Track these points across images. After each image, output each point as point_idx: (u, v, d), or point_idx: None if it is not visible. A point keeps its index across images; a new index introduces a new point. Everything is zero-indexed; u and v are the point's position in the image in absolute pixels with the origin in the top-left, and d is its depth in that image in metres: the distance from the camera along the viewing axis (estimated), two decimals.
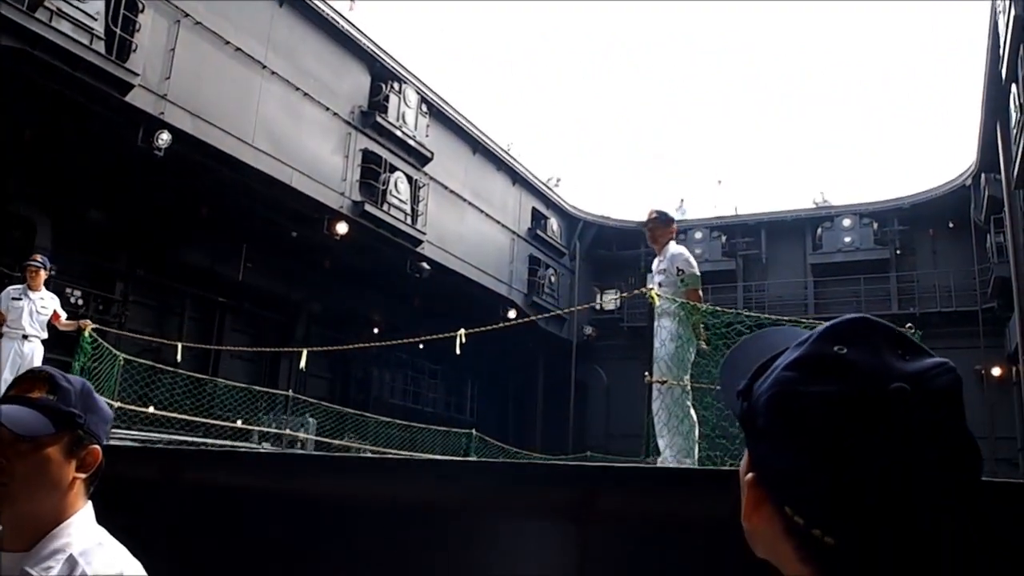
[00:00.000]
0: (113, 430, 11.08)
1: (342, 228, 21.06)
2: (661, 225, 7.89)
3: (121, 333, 19.39)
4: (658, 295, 7.08)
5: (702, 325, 7.31)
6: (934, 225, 30.82)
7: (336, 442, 23.44)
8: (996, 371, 27.29)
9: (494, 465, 2.98)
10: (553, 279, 32.65)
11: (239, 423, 22.42)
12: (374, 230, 22.12)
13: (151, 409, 20.20)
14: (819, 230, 32.68)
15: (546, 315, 28.70)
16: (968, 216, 28.61)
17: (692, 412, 7.07)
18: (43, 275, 10.03)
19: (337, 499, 3.23)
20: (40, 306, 9.71)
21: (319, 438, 20.91)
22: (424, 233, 23.94)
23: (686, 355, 7.15)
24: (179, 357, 16.93)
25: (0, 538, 1.64)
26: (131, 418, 18.49)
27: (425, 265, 24.25)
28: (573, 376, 33.81)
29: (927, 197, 30.84)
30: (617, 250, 35.99)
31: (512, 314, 29.55)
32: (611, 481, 2.74)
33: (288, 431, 20.99)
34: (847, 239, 31.71)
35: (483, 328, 13.65)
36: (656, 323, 7.05)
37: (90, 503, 1.72)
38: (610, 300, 32.47)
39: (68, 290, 18.01)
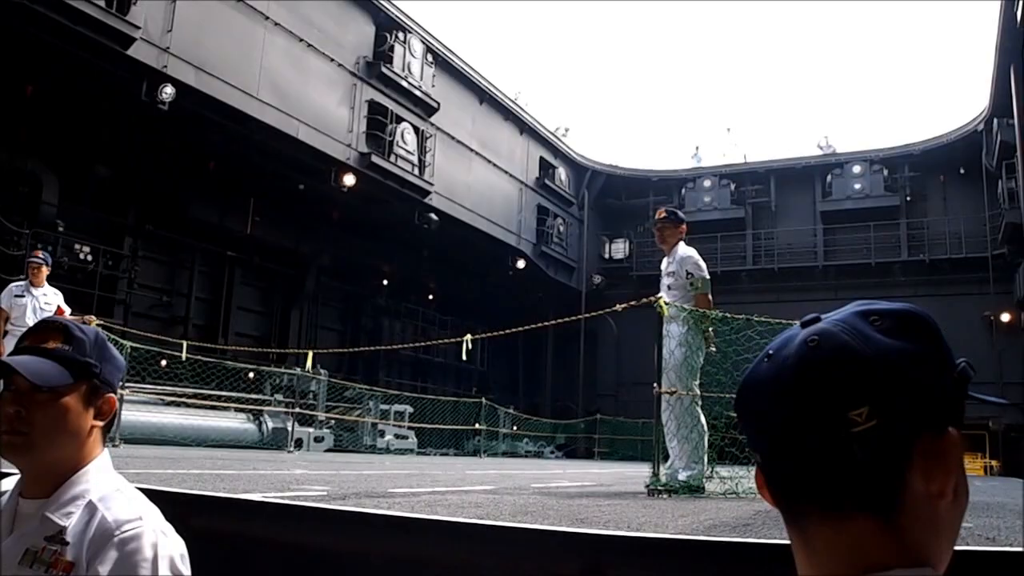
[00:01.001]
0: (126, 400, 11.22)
1: (349, 180, 21.01)
2: (670, 225, 7.63)
3: (131, 291, 19.58)
4: (667, 304, 6.87)
5: (711, 329, 7.12)
6: (945, 171, 30.54)
7: (347, 385, 23.68)
8: (1005, 317, 27.26)
9: (499, 531, 2.99)
10: (562, 228, 32.60)
11: (251, 375, 22.67)
12: (382, 181, 22.07)
13: (163, 363, 20.44)
14: (829, 177, 32.45)
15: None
16: (979, 162, 28.33)
17: (702, 418, 6.98)
18: (45, 271, 10.01)
19: (338, 555, 3.30)
20: (44, 302, 9.73)
21: (332, 379, 20.98)
22: (432, 184, 23.87)
23: (695, 361, 7.04)
24: (184, 355, 16.95)
25: (22, 485, 1.70)
26: (145, 375, 18.72)
27: (433, 216, 24.20)
28: (583, 325, 33.89)
29: (938, 143, 30.52)
30: (626, 199, 35.88)
31: (521, 264, 29.62)
32: (622, 549, 2.76)
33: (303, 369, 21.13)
34: (857, 186, 31.49)
35: (494, 333, 13.66)
36: (664, 328, 6.86)
37: (107, 450, 1.77)
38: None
39: (77, 246, 18.08)
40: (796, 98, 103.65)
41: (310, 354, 16.18)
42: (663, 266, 7.65)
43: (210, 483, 5.79)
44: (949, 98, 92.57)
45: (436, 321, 30.96)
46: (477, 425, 24.35)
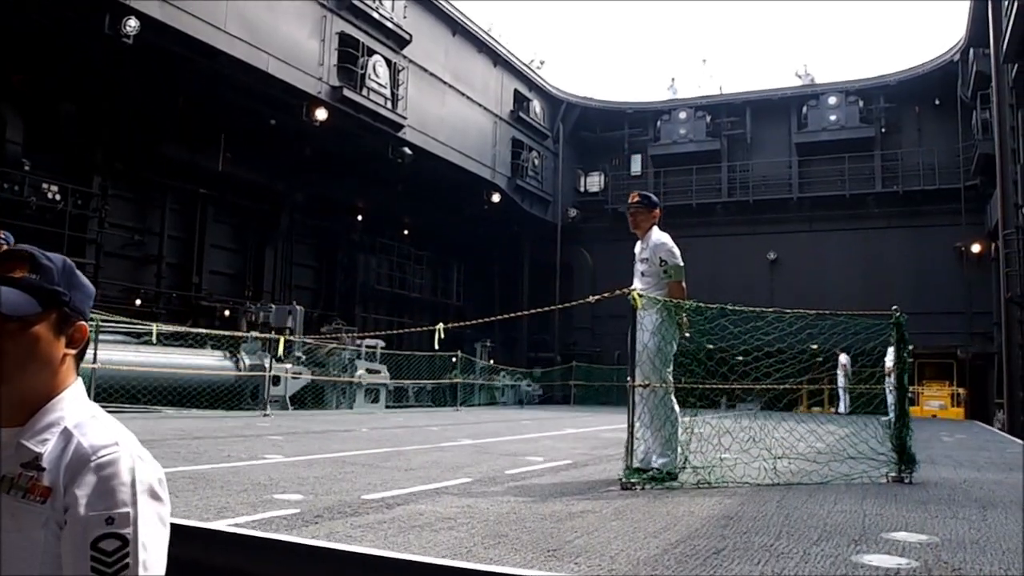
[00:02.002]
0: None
1: (321, 114, 20.71)
2: (644, 209, 7.44)
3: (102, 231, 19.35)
4: (640, 295, 6.73)
5: (685, 316, 7.02)
6: (920, 103, 30.55)
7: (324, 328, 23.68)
8: (976, 248, 27.56)
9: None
10: (537, 162, 32.43)
11: (226, 312, 22.61)
12: (354, 115, 21.77)
13: (138, 303, 20.32)
14: (804, 109, 32.37)
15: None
16: (955, 93, 28.36)
17: (676, 406, 6.97)
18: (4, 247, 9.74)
19: None
20: None
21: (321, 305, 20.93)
22: (405, 118, 23.58)
23: (669, 350, 6.99)
24: (154, 338, 16.76)
25: None
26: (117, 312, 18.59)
27: (407, 150, 23.96)
28: (559, 259, 33.97)
29: (914, 74, 30.47)
30: (601, 132, 35.67)
31: (496, 198, 29.49)
32: None
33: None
34: (832, 117, 31.45)
35: (465, 323, 13.68)
36: (638, 314, 6.73)
37: (80, 379, 1.75)
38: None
39: (44, 186, 17.76)
40: (773, 29, 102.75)
41: (281, 340, 15.95)
42: (636, 251, 7.50)
43: (179, 486, 5.72)
44: (927, 28, 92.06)
45: (412, 256, 30.89)
46: (454, 377, 24.44)
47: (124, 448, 1.60)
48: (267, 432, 11.34)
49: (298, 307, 21.74)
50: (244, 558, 3.40)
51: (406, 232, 30.64)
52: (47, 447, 1.59)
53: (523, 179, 31.12)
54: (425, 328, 16.05)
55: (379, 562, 3.12)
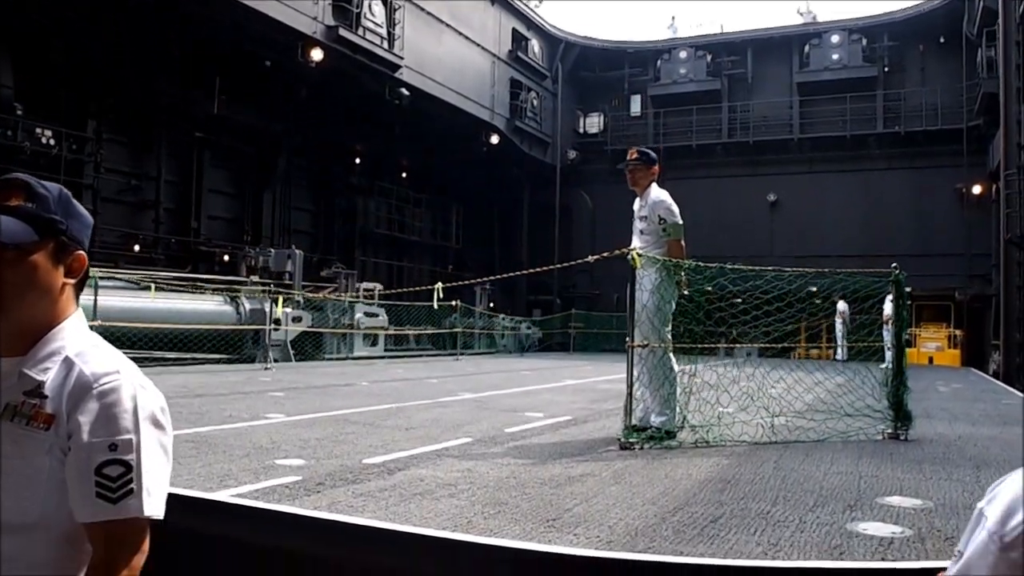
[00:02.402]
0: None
1: (317, 55, 20.41)
2: (642, 167, 7.34)
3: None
4: (640, 255, 6.69)
5: (684, 274, 7.01)
6: (925, 41, 30.12)
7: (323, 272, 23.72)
8: (976, 189, 27.44)
9: (471, 547, 3.03)
10: (536, 103, 32.09)
11: (225, 257, 22.60)
12: (350, 56, 21.46)
13: (136, 248, 20.30)
14: (806, 48, 31.92)
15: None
16: (960, 30, 27.93)
17: (675, 367, 6.97)
18: None
19: (313, 560, 3.35)
20: None
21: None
22: (402, 58, 23.26)
23: (668, 308, 6.93)
24: (152, 297, 16.60)
25: None
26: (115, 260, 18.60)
27: (404, 91, 23.67)
28: (558, 201, 33.83)
29: (919, 11, 29.99)
30: (600, 72, 35.21)
31: (495, 139, 29.25)
32: (591, 570, 2.84)
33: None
34: (835, 56, 31.03)
35: (463, 283, 13.52)
36: (637, 273, 6.69)
37: (80, 309, 1.76)
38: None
39: (38, 130, 17.59)
40: None
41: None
42: (635, 208, 7.42)
43: (182, 451, 5.74)
44: None
45: (411, 199, 30.75)
46: (454, 324, 24.45)
47: (126, 376, 1.63)
48: (268, 388, 11.37)
49: (297, 251, 21.74)
50: (247, 529, 3.45)
51: (405, 175, 30.46)
52: (49, 375, 1.61)
53: (522, 120, 30.83)
54: (423, 288, 15.98)
55: (381, 534, 3.15)
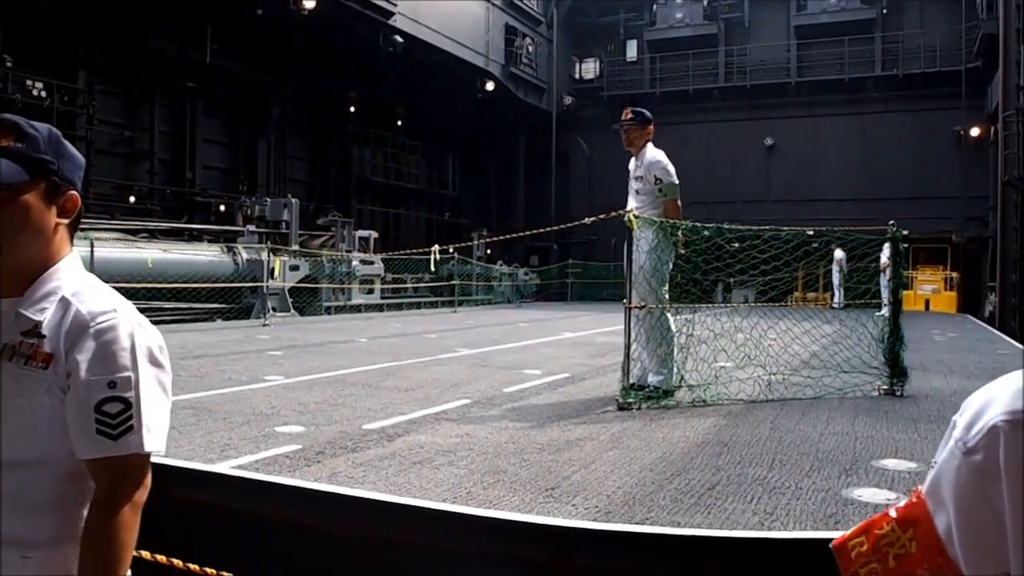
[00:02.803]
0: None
1: (309, 3, 20.11)
2: (637, 127, 7.24)
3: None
4: (637, 217, 6.63)
5: (681, 233, 7.00)
6: None
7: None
8: (975, 131, 27.33)
9: (472, 519, 3.10)
10: (531, 49, 31.73)
11: (221, 208, 22.54)
12: (343, 3, 21.15)
13: (132, 200, 20.21)
14: None
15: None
16: None
17: (673, 327, 6.98)
18: None
19: (314, 530, 3.39)
20: None
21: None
22: (395, 5, 22.91)
23: (665, 269, 6.95)
24: (149, 263, 16.42)
25: None
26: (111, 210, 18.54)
27: (398, 38, 23.40)
28: (554, 148, 33.62)
29: None
30: (596, 17, 34.72)
31: (490, 86, 28.98)
32: (589, 538, 2.92)
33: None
34: None
35: (461, 244, 13.47)
36: (634, 234, 6.65)
37: (75, 250, 1.77)
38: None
39: (29, 83, 17.41)
40: None
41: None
42: (631, 168, 7.36)
43: (182, 419, 5.79)
44: None
45: (406, 147, 30.58)
46: (452, 277, 24.45)
47: (123, 314, 1.65)
48: (267, 347, 11.32)
49: (293, 200, 21.66)
50: (250, 502, 3.54)
51: (400, 123, 30.24)
52: (46, 315, 1.63)
53: (517, 67, 30.50)
54: (421, 252, 15.94)
55: (381, 507, 3.23)
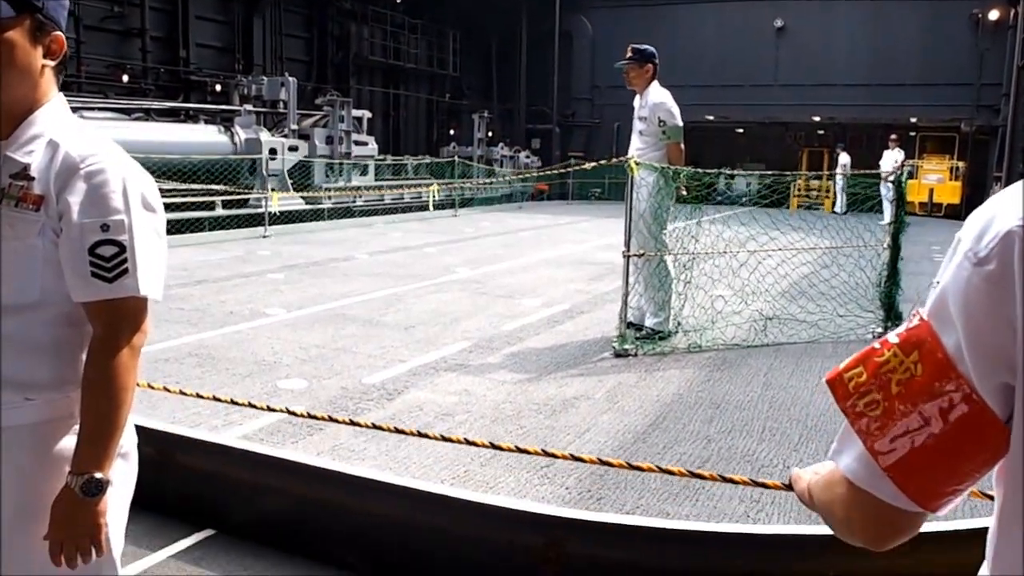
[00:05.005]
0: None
1: None
2: (635, 66, 7.12)
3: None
4: (638, 164, 6.55)
5: (683, 177, 6.99)
6: None
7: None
8: (993, 15, 26.47)
9: (470, 506, 3.16)
10: None
11: (217, 87, 22.12)
12: None
13: (125, 79, 19.82)
14: None
15: None
16: None
17: (671, 271, 6.98)
18: None
19: (314, 504, 3.56)
20: None
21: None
22: None
23: (664, 214, 6.94)
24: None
25: None
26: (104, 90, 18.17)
27: None
28: (557, 27, 32.71)
29: None
30: None
31: None
32: (579, 528, 2.98)
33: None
34: None
35: (459, 182, 13.13)
36: (635, 179, 6.59)
37: (61, 94, 1.76)
38: None
39: None
40: None
41: None
42: (635, 106, 7.28)
43: (184, 369, 5.82)
44: None
45: (406, 25, 29.75)
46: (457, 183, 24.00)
47: (113, 157, 1.66)
48: (268, 268, 11.24)
49: (291, 79, 21.21)
50: (257, 475, 3.67)
51: (399, 0, 29.40)
52: (35, 158, 1.63)
53: None
54: (419, 182, 15.64)
55: (382, 487, 3.42)
